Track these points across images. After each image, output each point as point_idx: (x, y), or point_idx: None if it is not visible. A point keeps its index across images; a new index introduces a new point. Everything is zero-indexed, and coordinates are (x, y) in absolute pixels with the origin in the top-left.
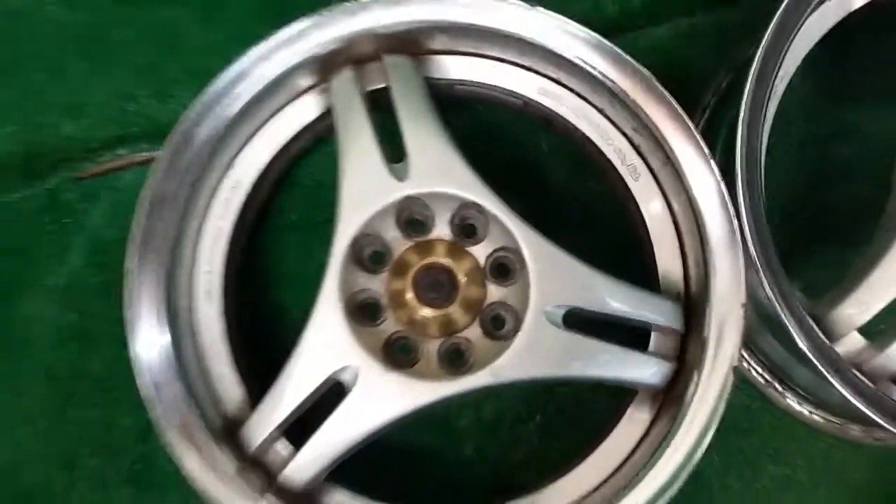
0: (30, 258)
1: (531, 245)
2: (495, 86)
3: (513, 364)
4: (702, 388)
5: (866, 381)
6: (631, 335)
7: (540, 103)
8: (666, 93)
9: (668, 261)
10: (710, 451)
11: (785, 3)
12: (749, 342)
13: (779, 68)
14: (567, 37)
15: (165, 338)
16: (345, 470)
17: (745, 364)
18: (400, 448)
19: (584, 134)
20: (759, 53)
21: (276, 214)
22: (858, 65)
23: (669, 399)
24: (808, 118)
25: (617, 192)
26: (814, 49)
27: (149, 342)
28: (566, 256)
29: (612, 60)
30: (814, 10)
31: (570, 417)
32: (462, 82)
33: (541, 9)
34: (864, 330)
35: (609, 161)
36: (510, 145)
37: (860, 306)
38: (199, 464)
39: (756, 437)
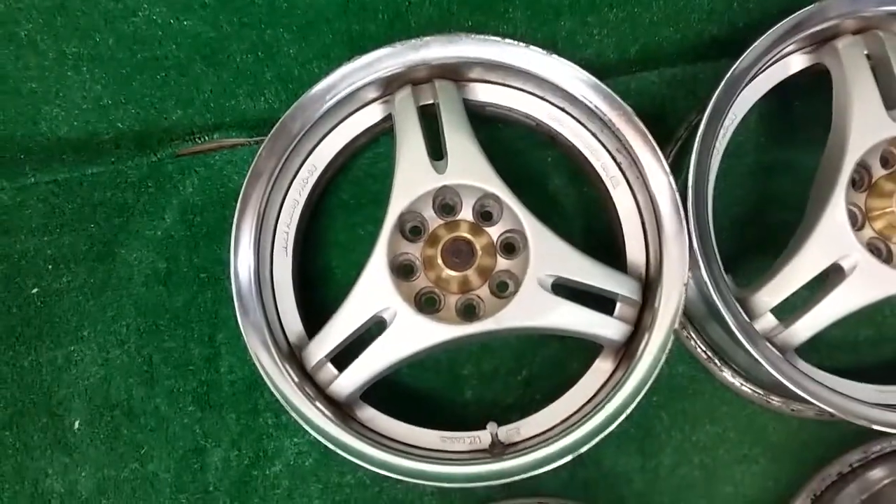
0: (134, 214)
1: (533, 229)
2: (515, 109)
3: (512, 315)
4: (651, 344)
5: (775, 350)
6: (602, 303)
7: (548, 125)
8: (641, 124)
9: (634, 249)
10: (660, 410)
11: (729, 72)
12: (696, 325)
13: (725, 117)
14: (573, 78)
15: (251, 275)
16: (375, 394)
17: (692, 342)
18: (416, 387)
19: (579, 151)
20: (709, 105)
21: (332, 194)
22: (797, 114)
23: (626, 354)
24: (757, 152)
25: (601, 195)
26: (764, 99)
27: (242, 277)
28: (558, 240)
29: (605, 97)
30: (759, 72)
31: (549, 372)
32: (491, 105)
33: (555, 55)
34: (778, 312)
35: (597, 172)
36: (523, 155)
37: (773, 293)
38: (273, 370)
39: (698, 401)
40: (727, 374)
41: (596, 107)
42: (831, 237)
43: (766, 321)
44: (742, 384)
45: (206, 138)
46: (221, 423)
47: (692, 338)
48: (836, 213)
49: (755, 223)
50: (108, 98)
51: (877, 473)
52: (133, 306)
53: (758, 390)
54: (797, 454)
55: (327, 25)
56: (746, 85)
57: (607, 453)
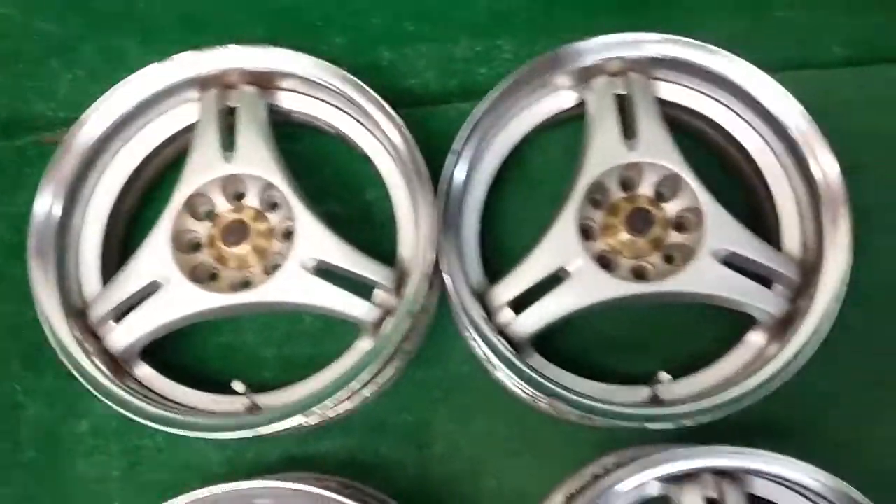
0: None
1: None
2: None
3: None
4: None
5: (500, 338)
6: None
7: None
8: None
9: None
10: (438, 405)
11: (473, 112)
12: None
13: (483, 143)
14: None
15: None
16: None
17: (473, 342)
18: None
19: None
20: (458, 138)
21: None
22: None
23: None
24: (556, 180)
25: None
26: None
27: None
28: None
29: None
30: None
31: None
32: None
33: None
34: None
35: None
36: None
37: (508, 288)
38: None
39: (474, 398)
40: (501, 374)
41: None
42: (561, 244)
43: (504, 315)
44: (515, 385)
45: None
46: (40, 381)
47: (474, 338)
48: (567, 224)
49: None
50: None
51: None
52: None
53: (527, 390)
54: (560, 454)
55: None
56: (511, 118)
57: (386, 441)
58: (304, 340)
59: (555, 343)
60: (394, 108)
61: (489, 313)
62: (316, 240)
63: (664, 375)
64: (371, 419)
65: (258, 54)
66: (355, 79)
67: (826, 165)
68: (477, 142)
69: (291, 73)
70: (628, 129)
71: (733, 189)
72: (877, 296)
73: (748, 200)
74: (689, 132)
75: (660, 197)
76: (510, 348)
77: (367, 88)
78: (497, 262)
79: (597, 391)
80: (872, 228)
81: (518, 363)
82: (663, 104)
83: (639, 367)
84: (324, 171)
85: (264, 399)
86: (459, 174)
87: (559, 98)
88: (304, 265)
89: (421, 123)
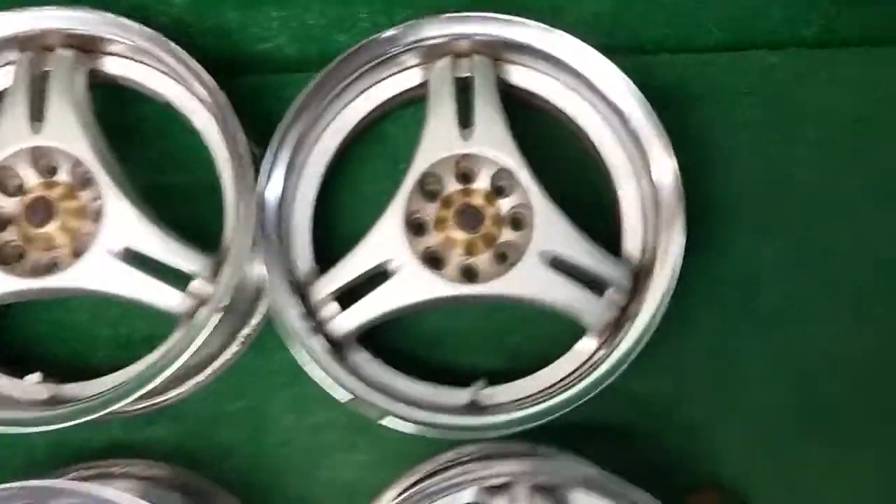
0: None
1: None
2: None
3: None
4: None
5: (320, 336)
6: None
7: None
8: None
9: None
10: (276, 392)
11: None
12: None
13: (317, 125)
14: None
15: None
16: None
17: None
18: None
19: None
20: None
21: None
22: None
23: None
24: None
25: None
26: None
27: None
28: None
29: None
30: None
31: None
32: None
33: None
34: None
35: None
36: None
37: (331, 281)
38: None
39: (316, 388)
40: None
41: None
42: (385, 238)
43: (329, 309)
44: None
45: None
46: None
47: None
48: (393, 218)
49: None
50: None
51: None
52: None
53: None
54: (398, 450)
55: None
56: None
57: (220, 426)
58: (140, 319)
59: (385, 337)
60: (244, 74)
61: (313, 306)
62: (125, 223)
63: (481, 384)
64: (205, 405)
65: (72, 16)
66: (174, 45)
67: (663, 162)
68: (312, 119)
69: (108, 38)
70: (466, 118)
71: (582, 184)
72: (731, 297)
73: (596, 197)
74: (548, 121)
75: (500, 191)
76: (326, 346)
77: (186, 56)
78: (335, 250)
79: (417, 392)
80: (739, 221)
81: (320, 366)
82: (516, 90)
83: (469, 366)
84: (156, 144)
85: (74, 388)
86: (284, 154)
87: (406, 76)
88: (110, 250)
89: (276, 91)
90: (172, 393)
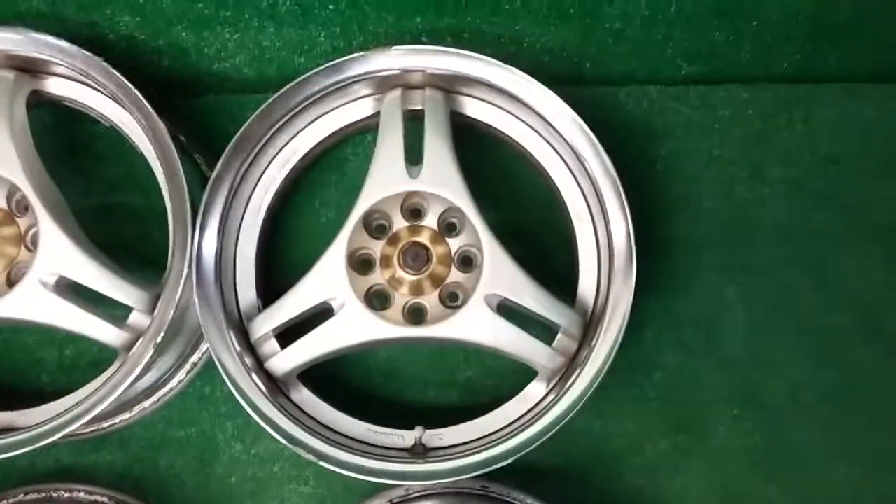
0: None
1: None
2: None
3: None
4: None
5: (262, 373)
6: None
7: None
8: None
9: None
10: (226, 421)
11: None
12: None
13: (258, 154)
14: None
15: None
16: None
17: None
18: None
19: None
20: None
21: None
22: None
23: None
24: None
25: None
26: None
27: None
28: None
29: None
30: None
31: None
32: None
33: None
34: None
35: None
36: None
37: (271, 319)
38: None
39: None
40: None
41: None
42: (327, 276)
43: (269, 346)
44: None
45: None
46: None
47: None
48: (336, 255)
49: None
50: None
51: None
52: None
53: None
54: (347, 484)
55: None
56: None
57: (166, 454)
58: (88, 341)
59: (335, 368)
60: (203, 94)
61: (254, 342)
62: (61, 253)
63: (420, 430)
64: (151, 431)
65: (11, 38)
66: (113, 70)
67: (616, 212)
68: (256, 147)
69: (49, 60)
70: (416, 153)
71: (543, 219)
72: (694, 337)
73: (555, 234)
74: (509, 152)
75: (452, 227)
76: (267, 384)
77: (125, 82)
78: (284, 280)
79: (359, 432)
80: (703, 260)
81: (254, 410)
82: (473, 122)
83: (419, 400)
84: (110, 163)
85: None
86: (226, 182)
87: (358, 106)
88: (43, 281)
89: (235, 111)
90: (119, 418)
